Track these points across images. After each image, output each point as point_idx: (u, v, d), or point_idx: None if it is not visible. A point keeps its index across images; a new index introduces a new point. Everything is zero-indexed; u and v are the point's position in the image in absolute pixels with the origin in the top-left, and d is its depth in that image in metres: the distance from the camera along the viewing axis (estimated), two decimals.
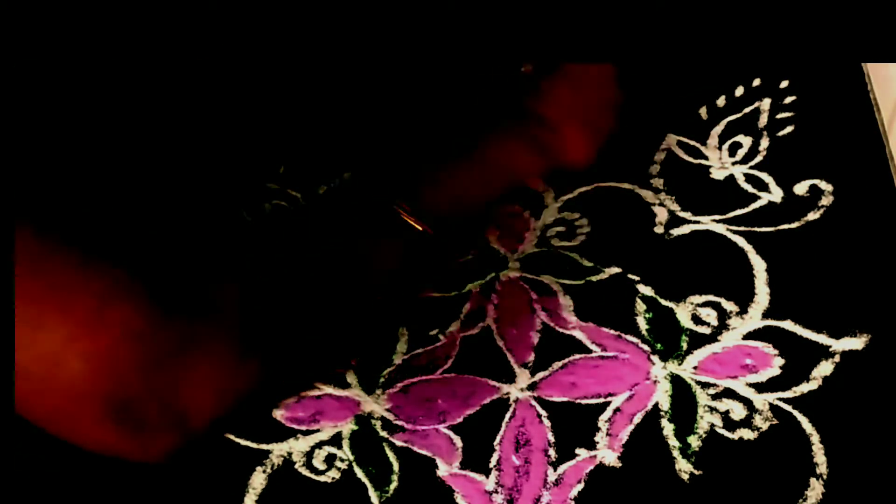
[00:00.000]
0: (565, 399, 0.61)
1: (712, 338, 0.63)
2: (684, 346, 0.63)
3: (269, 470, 0.60)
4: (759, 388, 0.61)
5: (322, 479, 0.59)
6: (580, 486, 0.58)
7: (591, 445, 0.59)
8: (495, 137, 0.58)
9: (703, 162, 0.72)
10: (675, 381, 0.61)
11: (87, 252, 0.39)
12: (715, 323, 0.64)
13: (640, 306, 0.65)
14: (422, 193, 0.54)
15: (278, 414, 0.62)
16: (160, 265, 0.41)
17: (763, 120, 0.73)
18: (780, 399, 0.60)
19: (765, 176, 0.70)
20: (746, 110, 0.74)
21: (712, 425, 0.59)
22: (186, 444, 0.42)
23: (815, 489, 0.56)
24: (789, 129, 0.73)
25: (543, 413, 0.61)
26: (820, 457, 0.58)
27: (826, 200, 0.68)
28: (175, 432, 0.41)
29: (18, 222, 0.37)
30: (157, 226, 0.45)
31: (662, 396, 0.61)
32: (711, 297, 0.65)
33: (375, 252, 0.52)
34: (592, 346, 0.63)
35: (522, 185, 0.61)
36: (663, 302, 0.65)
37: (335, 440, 0.61)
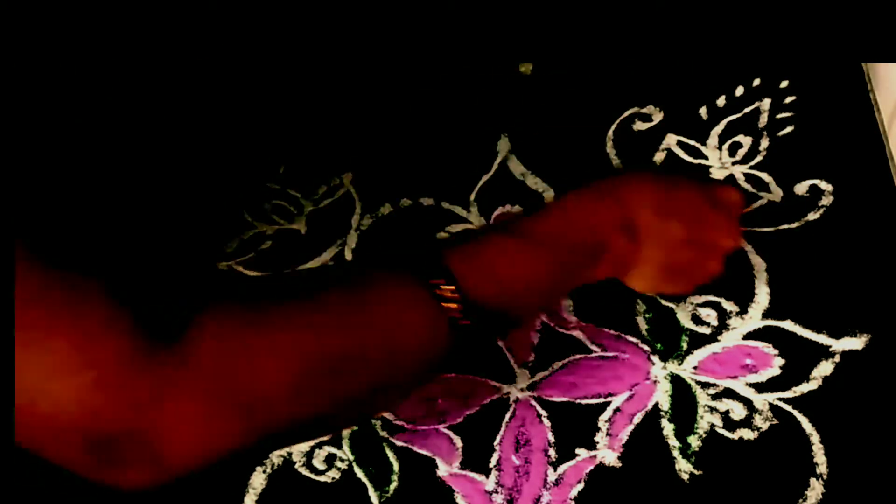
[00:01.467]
0: (565, 399, 0.61)
1: (712, 338, 0.63)
2: (684, 346, 0.63)
3: (269, 470, 0.60)
4: (759, 388, 0.61)
5: (322, 479, 0.59)
6: (580, 486, 0.58)
7: (591, 445, 0.59)
8: (582, 237, 0.52)
9: (703, 162, 0.72)
10: (675, 381, 0.61)
11: (74, 281, 0.38)
12: (715, 323, 0.64)
13: (640, 306, 0.65)
14: (461, 271, 0.47)
15: None
16: (146, 296, 0.40)
17: (763, 120, 0.73)
18: (780, 399, 0.60)
19: (765, 176, 0.70)
20: (746, 110, 0.74)
21: (712, 425, 0.59)
22: (168, 481, 0.41)
23: (815, 489, 0.56)
24: (789, 129, 0.72)
25: (543, 413, 0.61)
26: (820, 457, 0.58)
27: (826, 200, 0.68)
28: (151, 470, 0.40)
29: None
30: (142, 249, 0.45)
31: (662, 396, 0.61)
32: (711, 297, 0.65)
33: (403, 328, 0.46)
34: (592, 346, 0.63)
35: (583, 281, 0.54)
36: (663, 302, 0.65)
37: (335, 440, 0.61)
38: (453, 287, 0.46)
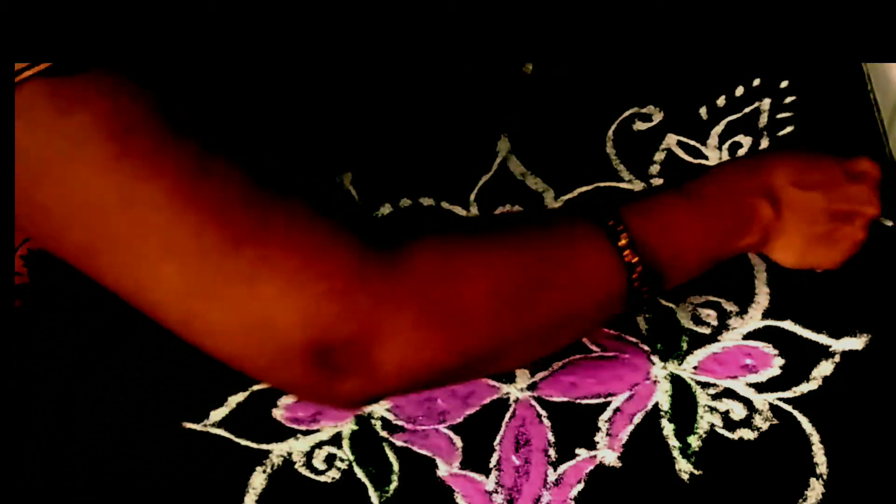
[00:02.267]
0: (565, 399, 0.61)
1: (712, 338, 0.63)
2: (684, 346, 0.63)
3: (269, 470, 0.60)
4: (759, 388, 0.61)
5: (322, 479, 0.59)
6: (580, 486, 0.58)
7: (591, 445, 0.59)
8: (734, 196, 0.55)
9: (704, 162, 0.72)
10: (675, 381, 0.61)
11: (293, 203, 0.42)
12: (715, 323, 0.64)
13: None
14: (632, 222, 0.50)
15: (278, 414, 0.62)
16: (360, 215, 0.44)
17: (763, 120, 0.73)
18: (780, 399, 0.60)
19: None
20: (746, 110, 0.74)
21: (712, 425, 0.59)
22: (378, 395, 0.45)
23: (815, 489, 0.56)
24: (789, 129, 0.72)
25: (543, 413, 0.61)
26: (820, 457, 0.58)
27: None
28: (366, 379, 0.43)
29: (218, 183, 0.40)
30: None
31: (662, 396, 0.61)
32: (711, 297, 0.65)
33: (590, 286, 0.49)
34: (592, 346, 0.63)
35: (732, 253, 0.56)
36: (663, 302, 0.65)
37: (335, 440, 0.61)
38: (627, 239, 0.49)
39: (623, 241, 0.48)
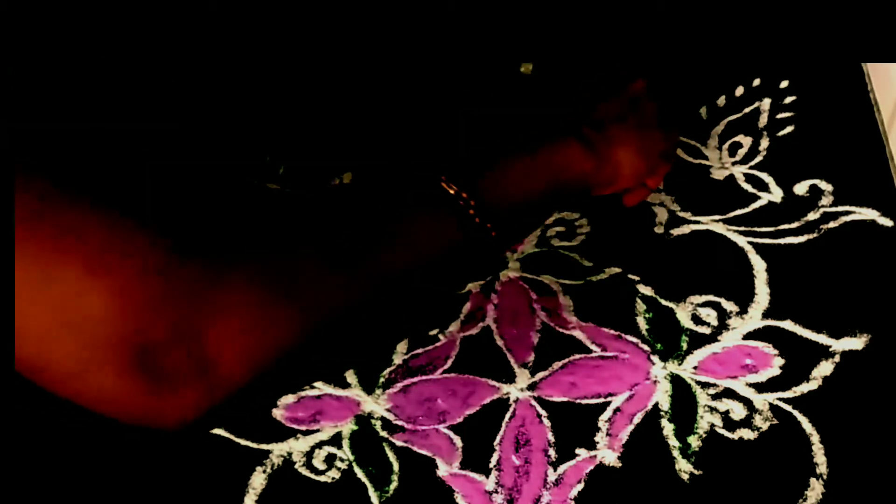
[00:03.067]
0: (565, 399, 0.61)
1: (712, 338, 0.63)
2: (684, 346, 0.63)
3: (269, 470, 0.60)
4: (759, 388, 0.61)
5: (322, 479, 0.59)
6: (580, 486, 0.58)
7: (591, 445, 0.59)
8: (548, 134, 0.58)
9: (703, 162, 0.72)
10: (675, 381, 0.61)
11: (100, 198, 0.37)
12: (715, 323, 0.64)
13: (640, 306, 0.65)
14: (474, 182, 0.51)
15: (278, 414, 0.62)
16: (175, 214, 0.40)
17: (763, 120, 0.73)
18: (780, 399, 0.60)
19: (765, 176, 0.70)
20: (746, 110, 0.74)
21: (712, 425, 0.59)
22: (214, 404, 0.38)
23: (815, 489, 0.56)
24: (789, 129, 0.73)
25: (543, 413, 0.61)
26: (820, 457, 0.58)
27: (826, 200, 0.68)
28: (202, 383, 0.37)
29: (25, 174, 0.35)
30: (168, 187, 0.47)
31: (662, 396, 0.61)
32: (711, 297, 0.65)
33: (422, 228, 0.49)
34: (592, 346, 0.63)
35: (578, 185, 0.58)
36: (663, 302, 0.65)
37: (335, 440, 0.61)
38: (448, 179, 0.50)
39: (445, 182, 0.49)
